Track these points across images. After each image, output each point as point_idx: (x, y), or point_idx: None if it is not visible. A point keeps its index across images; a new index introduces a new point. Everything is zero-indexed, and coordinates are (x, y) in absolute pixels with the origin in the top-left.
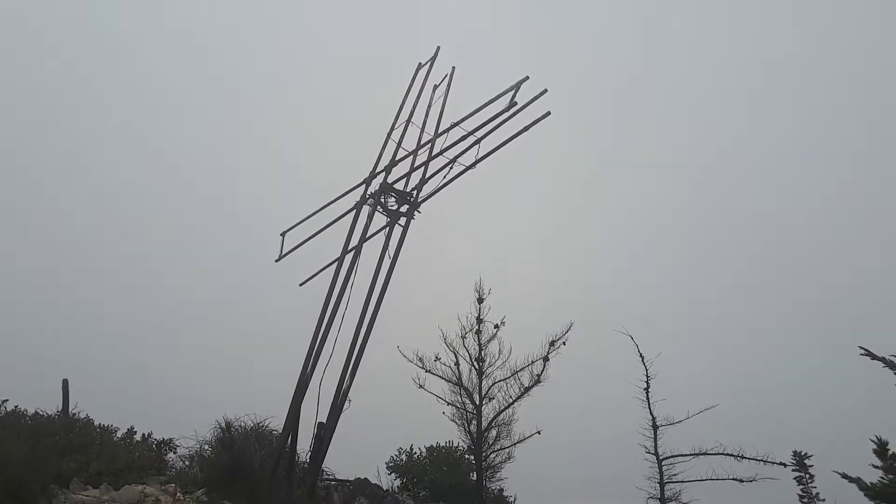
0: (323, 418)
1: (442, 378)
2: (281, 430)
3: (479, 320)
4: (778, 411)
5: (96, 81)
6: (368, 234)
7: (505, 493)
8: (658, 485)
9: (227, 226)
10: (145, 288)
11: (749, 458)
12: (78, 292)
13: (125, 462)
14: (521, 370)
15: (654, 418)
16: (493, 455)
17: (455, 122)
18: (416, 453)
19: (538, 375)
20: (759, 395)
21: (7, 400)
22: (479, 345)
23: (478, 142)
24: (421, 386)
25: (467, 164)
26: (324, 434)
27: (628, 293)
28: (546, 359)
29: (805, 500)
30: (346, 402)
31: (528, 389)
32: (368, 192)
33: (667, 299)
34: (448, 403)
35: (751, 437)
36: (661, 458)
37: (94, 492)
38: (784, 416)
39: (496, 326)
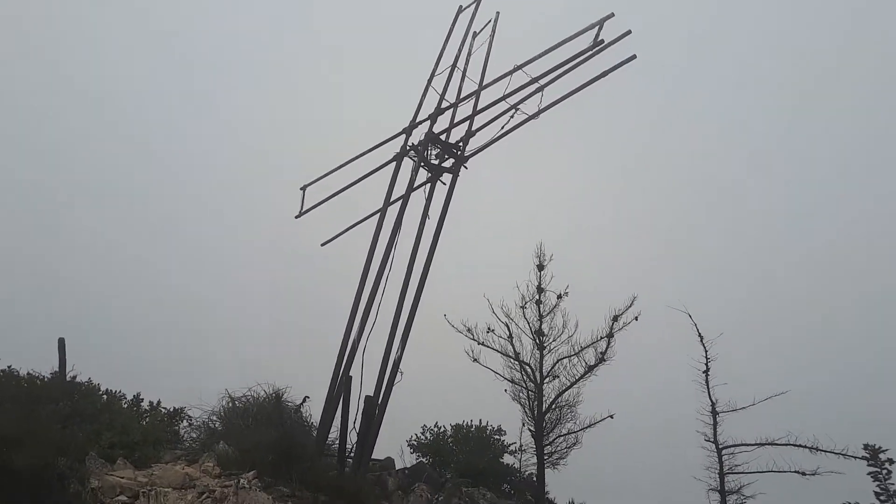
0: (368, 391)
1: (498, 352)
2: (300, 402)
3: (540, 289)
4: (858, 399)
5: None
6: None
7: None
8: (718, 475)
9: (239, 179)
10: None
11: (825, 451)
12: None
13: (141, 433)
14: (588, 347)
15: (713, 403)
16: (559, 440)
17: (518, 64)
18: (442, 430)
19: (602, 353)
20: (837, 380)
21: None
22: (540, 317)
23: (540, 89)
24: (475, 360)
25: (530, 114)
26: (374, 410)
27: (690, 264)
28: (610, 335)
29: (883, 497)
30: (398, 374)
31: (592, 368)
32: (409, 144)
33: (732, 271)
34: (509, 381)
35: (826, 427)
36: (720, 446)
37: (127, 471)
38: (865, 404)
39: (559, 297)
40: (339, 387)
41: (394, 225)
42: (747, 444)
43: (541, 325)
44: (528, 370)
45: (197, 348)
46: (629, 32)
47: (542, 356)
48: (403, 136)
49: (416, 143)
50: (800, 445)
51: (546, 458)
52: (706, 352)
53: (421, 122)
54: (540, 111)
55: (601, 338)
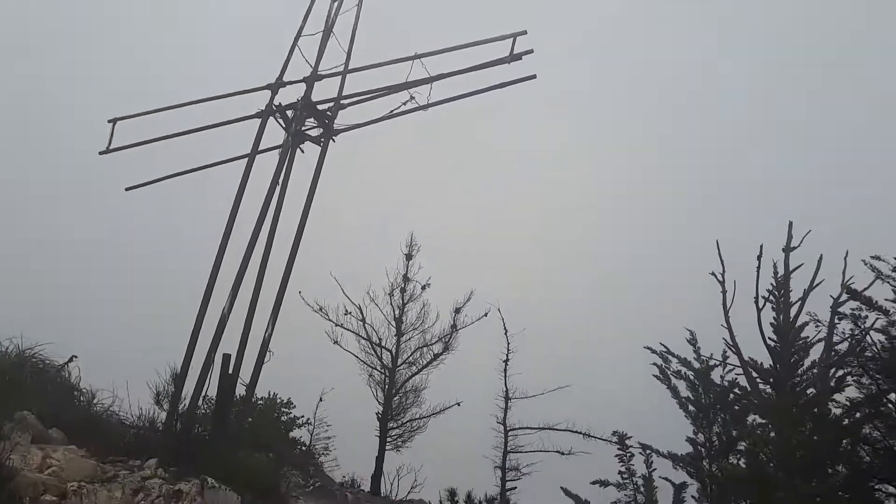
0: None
1: (356, 334)
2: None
3: (406, 278)
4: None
5: None
6: (262, 149)
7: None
8: (502, 454)
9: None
10: None
11: (594, 437)
12: None
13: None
14: (442, 338)
15: (507, 390)
16: (407, 423)
17: (419, 53)
18: None
19: (446, 343)
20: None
21: None
22: (403, 305)
23: (431, 81)
24: (336, 342)
25: (422, 103)
26: (232, 389)
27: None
28: (454, 327)
29: (625, 476)
30: (268, 353)
31: (437, 356)
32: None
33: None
34: (365, 364)
35: (609, 419)
36: (508, 428)
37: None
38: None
39: (423, 287)
40: (205, 366)
41: (270, 188)
42: (530, 428)
43: (402, 312)
44: (389, 354)
45: None
46: (531, 51)
47: (398, 342)
48: (268, 92)
49: (281, 103)
50: (575, 431)
51: (390, 440)
52: (508, 344)
53: (292, 83)
54: (430, 104)
55: (450, 332)
